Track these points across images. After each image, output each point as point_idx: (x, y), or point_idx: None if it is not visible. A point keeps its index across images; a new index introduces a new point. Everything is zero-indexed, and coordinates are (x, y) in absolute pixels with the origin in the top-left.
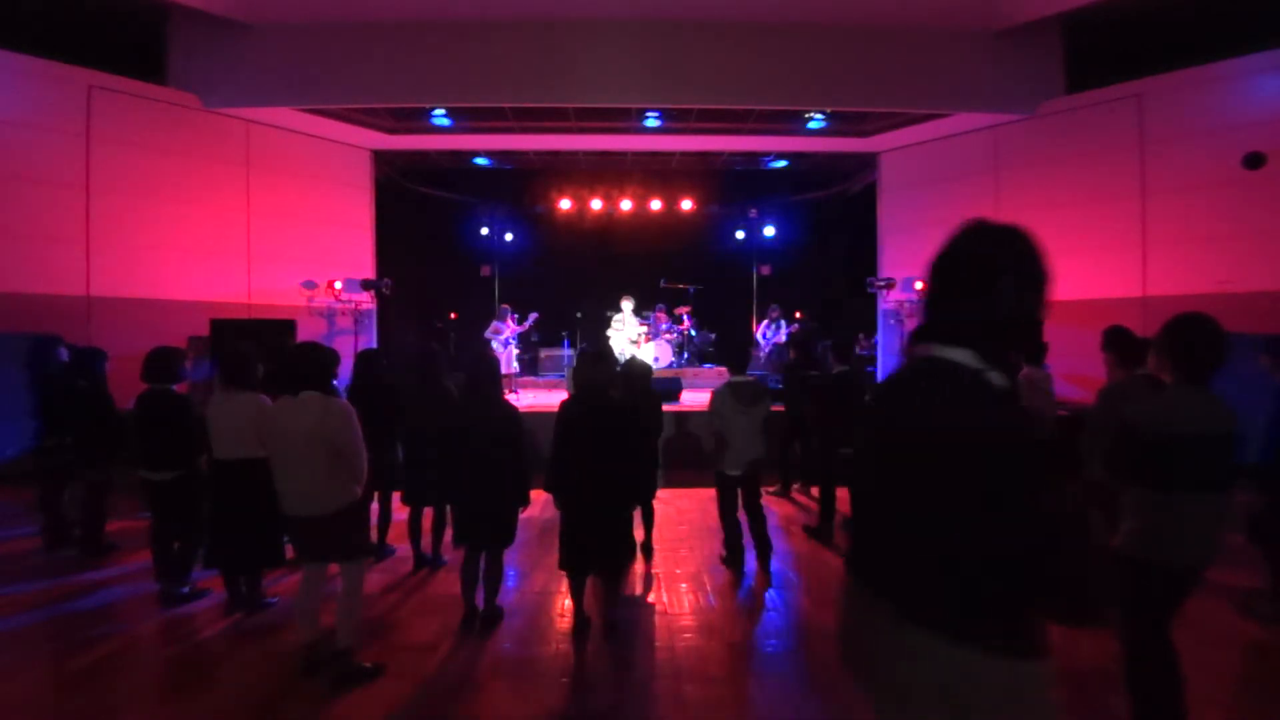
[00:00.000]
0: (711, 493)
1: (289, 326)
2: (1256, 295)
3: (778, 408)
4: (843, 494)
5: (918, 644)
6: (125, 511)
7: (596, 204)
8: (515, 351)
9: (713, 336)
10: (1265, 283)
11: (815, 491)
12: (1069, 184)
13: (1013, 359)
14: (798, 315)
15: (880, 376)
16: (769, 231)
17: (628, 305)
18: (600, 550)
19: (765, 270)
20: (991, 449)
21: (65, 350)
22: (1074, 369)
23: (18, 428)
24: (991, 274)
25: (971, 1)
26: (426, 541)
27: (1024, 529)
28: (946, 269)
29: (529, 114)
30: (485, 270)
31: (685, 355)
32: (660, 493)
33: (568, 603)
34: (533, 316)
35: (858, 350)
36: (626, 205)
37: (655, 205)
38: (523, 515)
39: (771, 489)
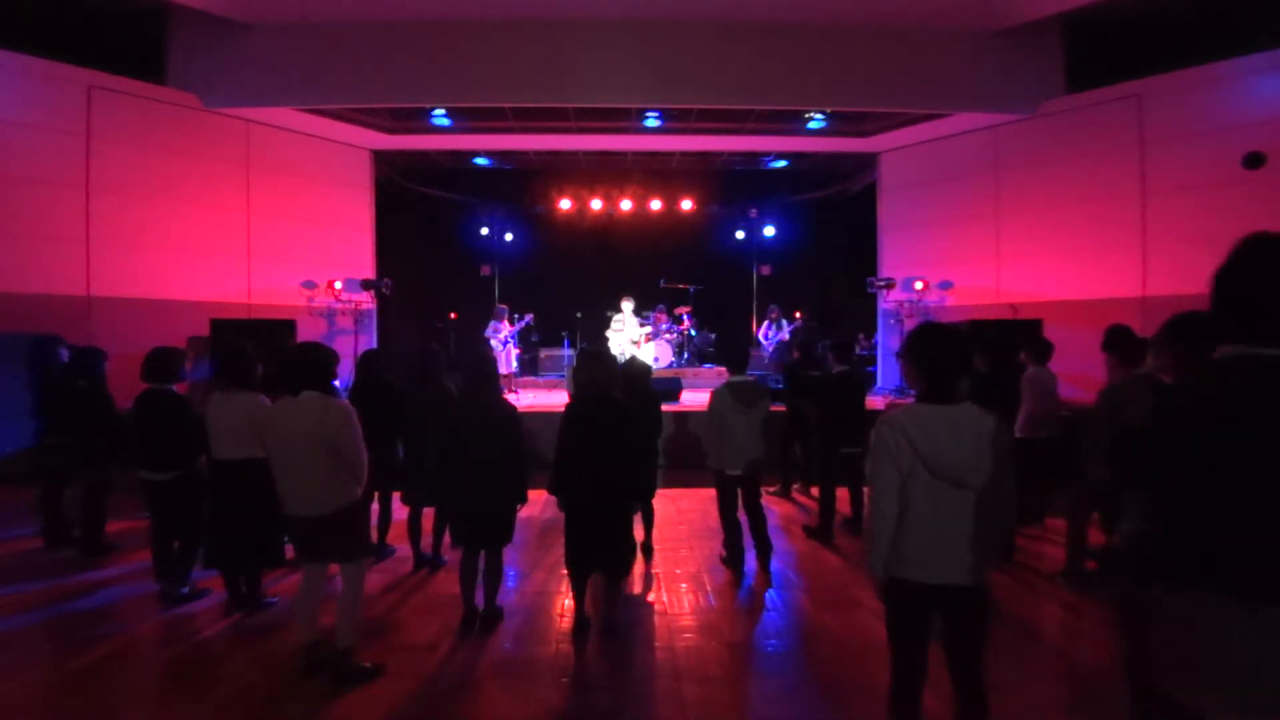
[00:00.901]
0: (711, 493)
1: (289, 326)
2: None
3: (778, 408)
4: (842, 494)
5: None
6: (125, 511)
7: (596, 204)
8: (515, 351)
9: (713, 336)
10: None
11: (815, 491)
12: (1069, 184)
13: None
14: (797, 315)
15: (881, 377)
16: (769, 231)
17: (628, 305)
18: (601, 550)
19: (765, 270)
20: None
21: (65, 350)
22: (1075, 369)
23: (18, 427)
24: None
25: (971, 1)
26: (426, 541)
27: None
28: (1233, 279)
29: (529, 114)
30: (485, 270)
31: (685, 355)
32: (660, 493)
33: (568, 603)
34: (528, 317)
35: (858, 350)
36: (626, 205)
37: (655, 205)
38: (522, 515)
39: (771, 489)
